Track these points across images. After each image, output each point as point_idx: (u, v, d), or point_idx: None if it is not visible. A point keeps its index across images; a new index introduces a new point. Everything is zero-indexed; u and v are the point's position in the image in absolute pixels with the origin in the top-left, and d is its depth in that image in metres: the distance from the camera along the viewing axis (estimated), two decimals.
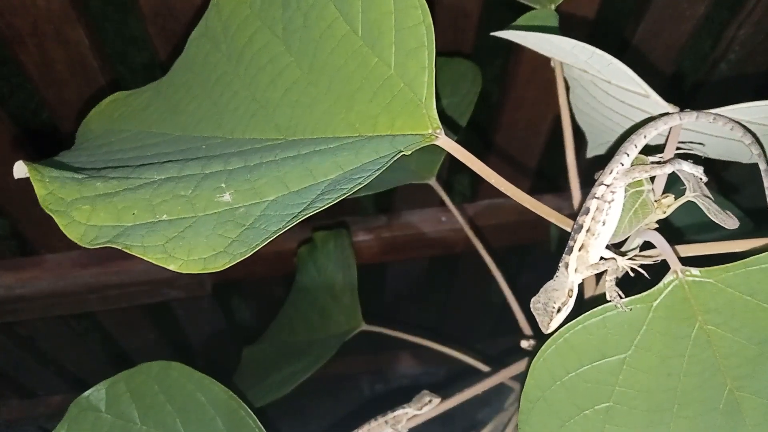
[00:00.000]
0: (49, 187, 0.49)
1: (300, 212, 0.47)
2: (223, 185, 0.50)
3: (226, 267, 0.46)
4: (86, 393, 0.72)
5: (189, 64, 0.67)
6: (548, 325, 0.53)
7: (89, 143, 0.69)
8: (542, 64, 1.04)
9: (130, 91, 0.73)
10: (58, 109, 1.02)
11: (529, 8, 0.71)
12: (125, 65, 1.75)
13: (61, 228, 0.48)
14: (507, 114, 1.16)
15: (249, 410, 0.70)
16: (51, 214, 0.48)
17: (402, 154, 0.49)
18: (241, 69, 0.60)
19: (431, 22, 0.49)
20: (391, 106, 0.51)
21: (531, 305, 0.54)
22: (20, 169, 0.51)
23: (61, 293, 1.28)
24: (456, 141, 0.52)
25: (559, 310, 0.53)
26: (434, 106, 0.50)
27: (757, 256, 0.47)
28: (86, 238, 0.47)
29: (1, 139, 1.03)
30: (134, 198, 0.49)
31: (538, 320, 0.54)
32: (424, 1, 0.49)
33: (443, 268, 1.56)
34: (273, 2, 0.59)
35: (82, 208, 0.48)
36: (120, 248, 0.47)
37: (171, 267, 0.46)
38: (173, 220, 0.48)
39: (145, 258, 0.46)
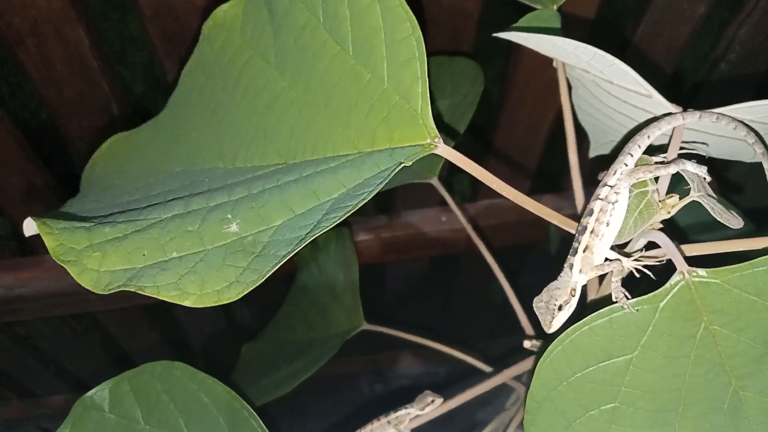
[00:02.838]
0: (59, 239, 0.50)
1: (307, 234, 0.47)
2: (229, 216, 0.50)
3: (240, 296, 0.46)
4: (90, 392, 0.72)
5: (185, 98, 0.68)
6: (550, 324, 0.53)
7: (95, 187, 0.70)
8: (542, 64, 1.04)
9: (130, 131, 0.74)
10: (58, 109, 1.02)
11: (530, 8, 0.71)
12: (125, 65, 1.75)
13: (75, 277, 0.49)
14: (507, 114, 1.16)
15: (251, 410, 0.70)
16: (63, 265, 0.49)
17: (403, 165, 0.49)
18: (237, 98, 0.61)
19: (420, 33, 0.49)
20: (388, 120, 0.51)
21: (533, 304, 0.54)
22: (30, 226, 0.52)
23: (61, 293, 1.27)
24: (457, 142, 0.52)
25: (560, 308, 0.53)
26: (430, 116, 0.50)
27: (765, 257, 0.47)
28: (100, 284, 0.48)
29: (1, 139, 1.03)
30: (143, 239, 0.50)
31: (540, 319, 0.54)
32: (412, 14, 0.50)
33: (444, 268, 1.56)
34: (264, 30, 0.59)
35: (93, 255, 0.49)
36: (134, 290, 0.47)
37: (186, 303, 0.47)
38: (183, 257, 0.49)
39: (159, 297, 0.47)
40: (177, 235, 0.50)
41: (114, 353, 1.65)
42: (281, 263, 0.46)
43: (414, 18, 0.49)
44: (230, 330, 1.62)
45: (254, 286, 0.46)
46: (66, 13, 0.90)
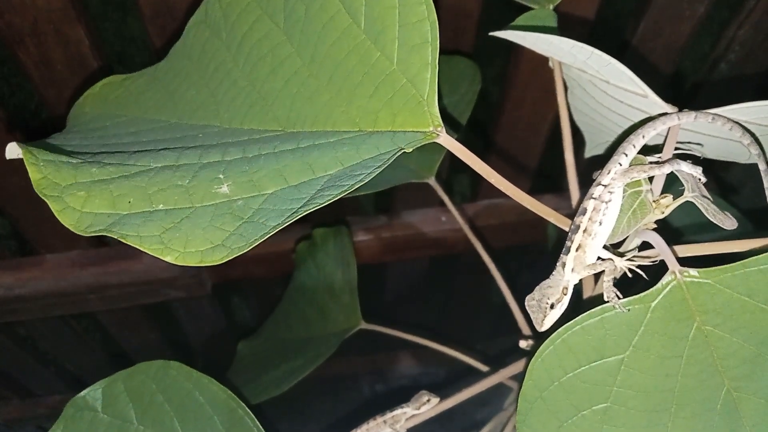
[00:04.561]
0: (44, 171, 0.49)
1: (300, 208, 0.46)
2: (221, 176, 0.49)
3: (224, 261, 0.45)
4: (83, 393, 0.72)
5: (187, 51, 0.66)
6: (542, 323, 0.53)
7: (82, 126, 0.68)
8: (542, 64, 1.04)
9: (125, 75, 0.72)
10: (58, 109, 1.02)
11: (527, 8, 0.71)
12: (125, 65, 1.75)
13: (56, 214, 0.47)
14: (507, 114, 1.16)
15: (247, 409, 0.69)
16: (45, 199, 0.47)
17: (403, 151, 0.48)
18: (241, 58, 0.60)
19: (436, 18, 0.49)
20: (393, 102, 0.51)
21: (526, 302, 0.54)
22: (13, 150, 0.50)
23: (61, 293, 1.28)
24: (456, 140, 0.52)
25: (552, 307, 0.53)
26: (436, 104, 0.50)
27: (755, 257, 0.47)
28: (81, 225, 0.47)
29: (1, 139, 1.03)
30: (130, 186, 0.49)
31: (532, 317, 0.54)
32: None
33: (443, 268, 1.56)
34: None
35: (77, 194, 0.48)
36: (115, 237, 0.46)
37: (168, 258, 0.45)
38: (170, 210, 0.47)
39: (140, 248, 0.45)
40: (165, 187, 0.48)
41: (114, 353, 1.65)
42: (270, 234, 0.45)
43: (431, 2, 0.49)
44: (230, 330, 1.62)
45: (239, 253, 0.45)
46: (66, 13, 0.90)
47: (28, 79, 0.99)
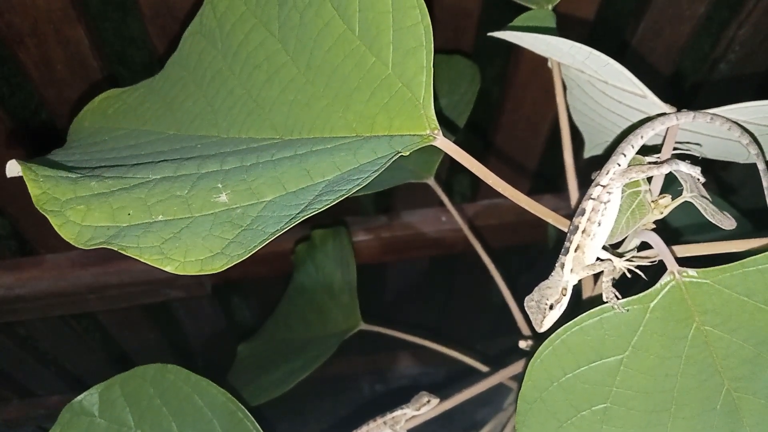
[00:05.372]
0: (43, 187, 0.49)
1: (298, 213, 0.46)
2: (219, 185, 0.49)
3: (224, 268, 0.46)
4: (79, 397, 0.71)
5: (184, 62, 0.67)
6: (541, 323, 0.53)
7: (82, 141, 0.69)
8: (542, 64, 1.04)
9: (123, 89, 0.73)
10: (58, 109, 1.03)
11: (527, 9, 0.71)
12: (124, 65, 1.75)
13: (56, 228, 0.47)
14: (507, 114, 1.16)
15: (247, 412, 0.69)
16: (45, 214, 0.48)
17: (400, 154, 0.49)
18: (237, 67, 0.60)
19: (429, 22, 0.49)
20: (389, 106, 0.51)
21: (525, 303, 0.54)
22: (13, 168, 0.51)
23: (61, 293, 1.28)
24: (455, 141, 0.52)
25: (551, 308, 0.53)
26: (432, 107, 0.50)
27: (754, 257, 0.47)
28: (81, 238, 0.47)
29: (1, 139, 1.03)
30: (129, 198, 0.49)
31: (531, 318, 0.54)
32: (423, 1, 0.49)
33: (443, 268, 1.56)
34: (269, 0, 0.58)
35: (77, 208, 0.48)
36: (115, 249, 0.46)
37: (168, 268, 0.46)
38: (169, 221, 0.48)
39: (141, 259, 0.46)
40: (164, 198, 0.49)
41: (113, 353, 1.65)
42: (269, 240, 0.45)
43: (424, 6, 0.49)
44: (230, 330, 1.62)
45: (239, 260, 0.45)
46: (66, 13, 0.90)
47: (28, 79, 0.99)
